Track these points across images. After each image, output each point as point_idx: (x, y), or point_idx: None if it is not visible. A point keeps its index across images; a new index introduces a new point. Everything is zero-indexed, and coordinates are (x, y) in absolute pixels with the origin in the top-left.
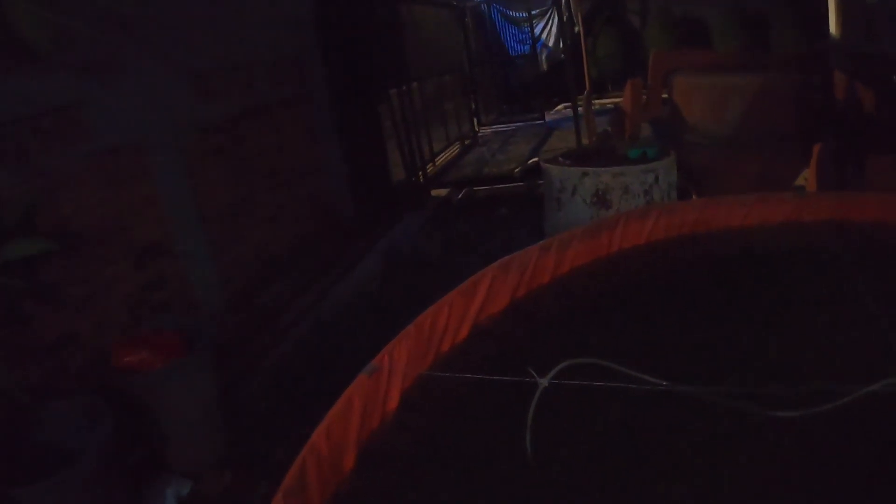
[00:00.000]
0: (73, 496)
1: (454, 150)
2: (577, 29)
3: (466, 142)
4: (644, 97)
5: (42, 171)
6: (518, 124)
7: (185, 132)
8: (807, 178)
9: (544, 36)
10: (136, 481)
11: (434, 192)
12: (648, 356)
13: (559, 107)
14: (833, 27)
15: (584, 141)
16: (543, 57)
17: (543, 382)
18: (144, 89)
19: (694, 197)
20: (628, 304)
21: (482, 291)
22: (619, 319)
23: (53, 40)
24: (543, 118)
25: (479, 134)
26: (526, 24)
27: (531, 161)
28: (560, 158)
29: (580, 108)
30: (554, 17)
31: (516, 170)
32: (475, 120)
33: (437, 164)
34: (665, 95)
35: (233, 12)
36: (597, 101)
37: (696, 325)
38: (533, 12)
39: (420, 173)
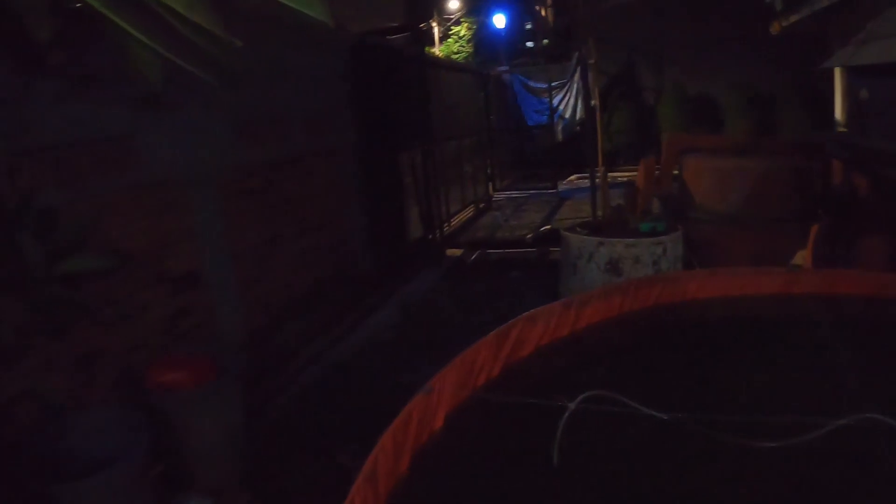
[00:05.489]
0: (106, 498)
1: (469, 212)
2: (593, 103)
3: (481, 205)
4: (656, 174)
5: (94, 194)
6: (531, 192)
7: (224, 173)
8: (803, 257)
9: (561, 108)
10: (159, 494)
11: (449, 252)
12: (651, 394)
13: (571, 177)
14: (837, 115)
15: (599, 212)
16: (559, 128)
17: (571, 406)
18: (192, 130)
19: (697, 268)
20: (635, 354)
21: (513, 337)
22: (627, 366)
23: (162, 77)
24: (556, 188)
25: (494, 198)
26: (545, 95)
27: (543, 228)
28: (578, 228)
29: (597, 181)
30: (572, 89)
31: (528, 236)
32: (490, 184)
33: (452, 224)
34: (676, 173)
35: (277, 68)
36: (609, 175)
37: (692, 371)
38: (553, 84)
39: (437, 232)
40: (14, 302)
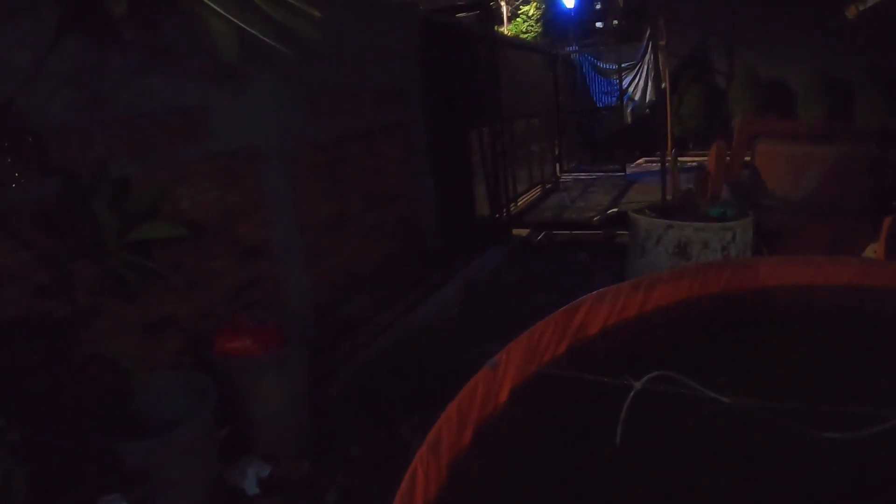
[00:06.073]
0: (172, 457)
1: (536, 192)
2: (663, 85)
3: (548, 185)
4: (727, 159)
5: (166, 164)
6: (598, 174)
7: (294, 146)
8: (875, 250)
9: (631, 89)
10: (222, 457)
11: (515, 231)
12: (717, 379)
13: (640, 160)
14: None
15: (668, 196)
16: (629, 110)
17: (637, 385)
18: (263, 103)
19: (766, 256)
20: (702, 338)
21: (581, 316)
22: (693, 350)
23: (238, 50)
24: (624, 170)
25: (561, 179)
26: (615, 77)
27: (611, 211)
28: (646, 210)
29: (668, 164)
30: (642, 71)
31: (595, 218)
32: (558, 165)
33: (519, 203)
34: (747, 159)
35: (347, 43)
36: (679, 159)
37: (759, 358)
38: (623, 65)
39: (504, 211)
40: (88, 267)
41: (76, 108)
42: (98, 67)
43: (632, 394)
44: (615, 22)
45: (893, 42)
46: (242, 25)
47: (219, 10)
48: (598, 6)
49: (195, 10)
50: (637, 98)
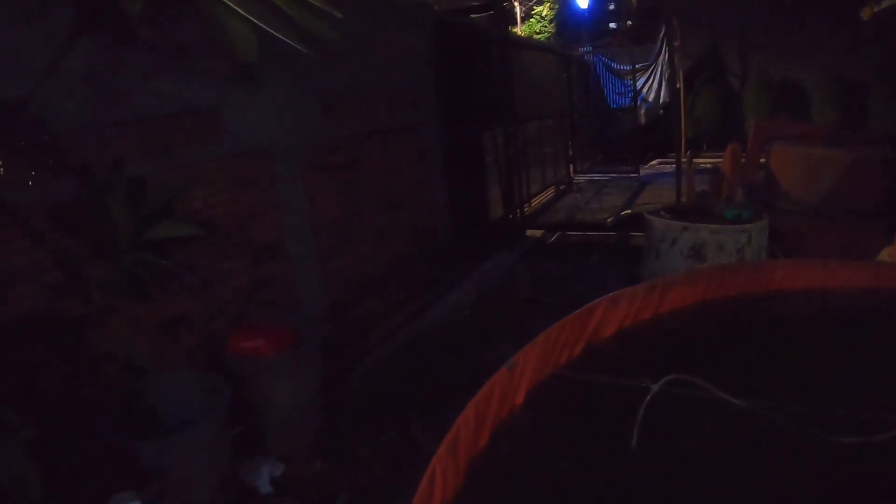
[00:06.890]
0: (186, 456)
1: (550, 193)
2: (677, 86)
3: (562, 187)
4: (742, 162)
5: (181, 164)
6: (612, 175)
7: (308, 147)
8: (890, 253)
9: (645, 90)
10: (235, 455)
11: (528, 233)
12: (733, 383)
13: (653, 162)
14: None
15: (683, 198)
16: (642, 111)
17: (654, 387)
18: (277, 104)
19: (781, 259)
20: (717, 341)
21: (596, 318)
22: (709, 353)
23: (260, 55)
24: (637, 171)
25: (575, 181)
26: (629, 78)
27: (624, 212)
28: (662, 212)
29: (682, 165)
30: (656, 72)
31: (609, 219)
32: (571, 166)
33: (532, 205)
34: (762, 161)
35: (361, 44)
36: (694, 160)
37: (773, 361)
38: (636, 66)
39: (517, 212)
40: (103, 266)
41: (91, 108)
42: (113, 67)
43: (649, 396)
44: (629, 22)
45: None
46: (261, 25)
47: (237, 9)
48: (612, 7)
49: (213, 10)
50: (651, 99)
